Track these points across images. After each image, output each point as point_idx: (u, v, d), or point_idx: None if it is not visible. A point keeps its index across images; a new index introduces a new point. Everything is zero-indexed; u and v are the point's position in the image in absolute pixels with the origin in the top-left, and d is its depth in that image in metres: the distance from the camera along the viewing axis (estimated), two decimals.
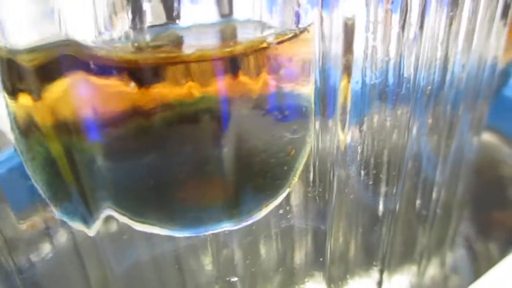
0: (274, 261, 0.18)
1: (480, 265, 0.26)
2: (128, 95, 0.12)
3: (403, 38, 0.15)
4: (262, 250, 0.17)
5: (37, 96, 0.12)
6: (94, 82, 0.11)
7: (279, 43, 0.12)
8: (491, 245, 0.27)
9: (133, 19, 0.11)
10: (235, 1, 0.12)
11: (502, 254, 0.26)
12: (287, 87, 0.13)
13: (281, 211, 0.17)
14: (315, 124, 0.15)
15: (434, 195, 0.20)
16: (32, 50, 0.11)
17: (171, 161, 0.12)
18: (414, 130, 0.17)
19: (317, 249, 0.18)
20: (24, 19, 0.11)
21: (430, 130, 0.18)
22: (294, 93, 0.13)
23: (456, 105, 0.18)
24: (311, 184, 0.17)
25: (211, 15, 0.12)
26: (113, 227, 0.16)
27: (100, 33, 0.11)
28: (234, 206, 0.14)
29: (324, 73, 0.15)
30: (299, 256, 0.18)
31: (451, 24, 0.16)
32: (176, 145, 0.12)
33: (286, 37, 0.12)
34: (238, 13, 0.12)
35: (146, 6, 0.11)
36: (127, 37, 0.11)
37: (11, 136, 0.13)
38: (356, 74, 0.15)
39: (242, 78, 0.12)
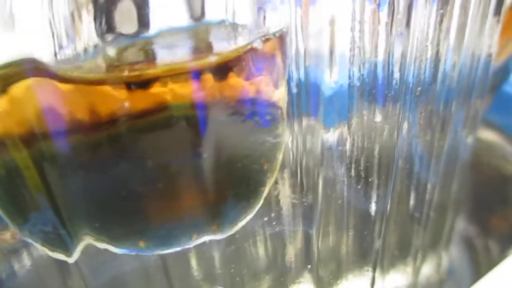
0: (260, 268, 0.17)
1: (480, 265, 0.26)
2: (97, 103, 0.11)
3: (391, 35, 0.14)
4: (248, 258, 0.17)
5: None
6: (59, 88, 0.11)
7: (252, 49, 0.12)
8: (491, 244, 0.26)
9: (99, 29, 0.10)
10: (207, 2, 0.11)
11: (503, 254, 0.25)
12: (260, 91, 0.13)
13: (265, 218, 0.16)
14: (296, 124, 0.15)
15: (427, 195, 0.19)
16: None
17: (141, 172, 0.12)
18: (405, 129, 0.17)
19: (305, 254, 0.18)
20: None
21: (422, 129, 0.17)
22: (265, 97, 0.13)
23: (448, 104, 0.17)
24: (296, 187, 0.16)
25: (183, 18, 0.11)
26: None
27: (61, 47, 0.10)
28: (214, 216, 0.13)
29: (307, 72, 0.14)
30: (287, 262, 0.18)
31: (441, 21, 0.15)
32: (145, 153, 0.12)
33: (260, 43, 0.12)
34: (210, 15, 0.12)
35: (112, 14, 0.10)
36: (94, 49, 0.11)
37: None
38: (342, 72, 0.14)
39: (214, 84, 0.12)
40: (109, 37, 0.11)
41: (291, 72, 0.14)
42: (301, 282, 0.18)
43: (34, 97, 0.11)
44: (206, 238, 0.14)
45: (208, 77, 0.11)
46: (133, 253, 0.14)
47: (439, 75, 0.16)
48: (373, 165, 0.17)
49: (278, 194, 0.16)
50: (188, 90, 0.11)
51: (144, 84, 0.11)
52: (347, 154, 0.16)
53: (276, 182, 0.17)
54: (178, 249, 0.14)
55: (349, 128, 0.16)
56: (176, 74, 0.11)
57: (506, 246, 0.26)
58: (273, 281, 0.18)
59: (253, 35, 0.12)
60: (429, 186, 0.19)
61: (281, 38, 0.13)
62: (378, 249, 0.18)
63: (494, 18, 0.16)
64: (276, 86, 0.13)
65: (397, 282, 0.21)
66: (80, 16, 0.10)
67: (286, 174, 0.16)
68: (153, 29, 0.11)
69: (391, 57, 0.15)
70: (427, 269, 0.22)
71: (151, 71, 0.11)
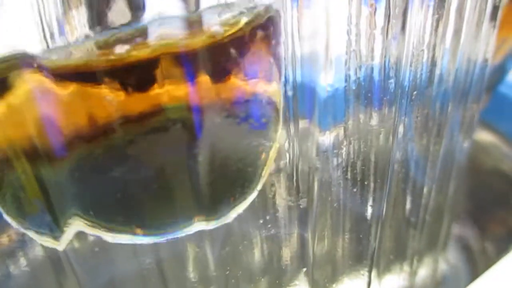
0: (255, 271, 0.17)
1: (477, 267, 0.26)
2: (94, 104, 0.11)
3: (387, 38, 0.14)
4: (243, 261, 0.17)
5: None
6: (54, 91, 0.11)
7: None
8: (489, 246, 0.26)
9: (90, 20, 0.10)
10: None
11: (500, 256, 0.25)
12: (254, 86, 0.13)
13: (261, 221, 0.16)
14: (292, 128, 0.15)
15: (424, 199, 0.19)
16: None
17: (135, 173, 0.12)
18: (400, 133, 0.17)
19: (300, 257, 0.18)
20: None
21: (417, 133, 0.17)
22: (260, 93, 0.13)
23: (444, 108, 0.17)
24: (292, 190, 0.16)
25: (177, 8, 0.11)
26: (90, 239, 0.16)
27: (52, 38, 0.10)
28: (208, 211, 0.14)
29: (302, 74, 0.14)
30: (282, 265, 0.18)
31: (437, 26, 0.15)
32: (140, 157, 0.12)
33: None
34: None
35: (104, 5, 0.10)
36: (85, 39, 0.11)
37: None
38: (337, 75, 0.14)
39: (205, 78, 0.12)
40: (100, 28, 0.10)
41: (287, 75, 0.14)
42: (296, 285, 0.18)
43: (32, 103, 0.11)
44: (200, 226, 0.14)
45: (205, 79, 0.11)
46: (127, 243, 0.14)
47: (435, 79, 0.16)
48: (368, 169, 0.17)
49: (273, 197, 0.17)
50: (183, 91, 0.11)
51: (141, 84, 0.11)
52: (343, 157, 0.16)
53: (272, 185, 0.17)
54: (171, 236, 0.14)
55: (345, 131, 0.16)
56: (166, 54, 0.11)
57: (504, 248, 0.26)
58: (268, 283, 0.18)
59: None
60: (425, 190, 0.19)
61: (272, 21, 0.13)
62: (374, 252, 0.18)
63: (490, 23, 0.16)
64: (269, 79, 0.13)
65: (393, 285, 0.21)
66: (70, 6, 0.10)
67: (282, 177, 0.16)
68: (146, 19, 0.11)
69: (387, 61, 0.15)
70: (424, 272, 0.22)
71: (141, 52, 0.11)
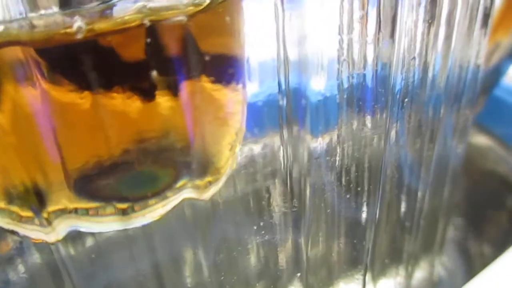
0: (250, 276, 0.18)
1: (474, 269, 0.26)
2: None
3: (378, 45, 0.14)
4: (238, 266, 0.17)
5: None
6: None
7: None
8: (485, 248, 0.26)
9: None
10: None
11: (496, 257, 0.25)
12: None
13: (255, 226, 0.17)
14: (285, 134, 0.15)
15: (418, 204, 0.19)
16: None
17: None
18: (392, 139, 0.17)
19: (295, 262, 0.18)
20: None
21: (410, 139, 0.18)
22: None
23: (436, 113, 0.17)
24: (286, 195, 0.16)
25: None
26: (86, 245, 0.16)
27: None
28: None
29: (294, 81, 0.14)
30: (277, 270, 0.18)
31: (428, 32, 0.15)
32: None
33: None
34: None
35: None
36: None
37: None
38: (329, 81, 0.15)
39: None
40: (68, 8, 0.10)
41: (280, 81, 0.14)
42: None
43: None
44: (187, 193, 0.14)
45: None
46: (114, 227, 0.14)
47: (427, 85, 0.16)
48: (362, 174, 0.17)
49: (268, 203, 0.17)
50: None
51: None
52: (336, 163, 0.16)
53: (266, 191, 0.17)
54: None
55: (338, 137, 0.16)
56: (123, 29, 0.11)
57: (500, 251, 0.26)
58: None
59: None
60: (419, 194, 0.19)
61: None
62: (369, 257, 0.19)
63: (481, 29, 0.16)
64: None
65: None
66: None
67: (276, 183, 0.17)
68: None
69: (379, 68, 0.15)
70: (419, 276, 0.22)
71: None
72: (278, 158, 0.16)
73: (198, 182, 0.14)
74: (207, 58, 0.12)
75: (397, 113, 0.16)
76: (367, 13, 0.13)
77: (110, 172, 0.12)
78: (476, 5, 0.16)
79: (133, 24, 0.11)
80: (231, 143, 0.14)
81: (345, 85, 0.15)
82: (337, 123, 0.15)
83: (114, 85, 0.11)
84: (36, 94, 0.11)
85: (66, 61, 0.11)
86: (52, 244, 0.14)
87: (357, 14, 0.13)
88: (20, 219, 0.13)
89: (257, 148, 0.17)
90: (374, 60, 0.14)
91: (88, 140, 0.12)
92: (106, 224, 0.13)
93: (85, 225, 0.13)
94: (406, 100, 0.16)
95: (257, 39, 0.14)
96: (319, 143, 0.15)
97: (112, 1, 0.10)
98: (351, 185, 0.17)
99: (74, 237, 0.15)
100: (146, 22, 0.11)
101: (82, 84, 0.11)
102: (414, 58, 0.15)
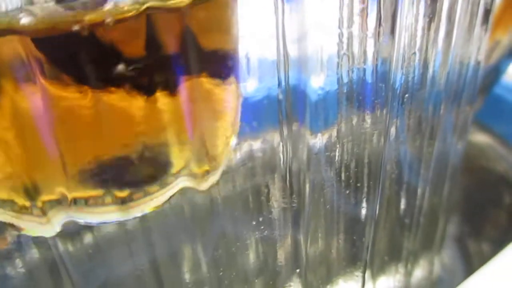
0: (249, 272, 0.18)
1: (473, 267, 0.26)
2: None
3: (378, 41, 0.14)
4: (237, 262, 0.17)
5: None
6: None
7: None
8: (484, 246, 0.26)
9: None
10: None
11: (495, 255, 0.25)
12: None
13: (254, 222, 0.16)
14: (285, 130, 0.15)
15: (417, 201, 0.19)
16: None
17: None
18: (392, 136, 0.17)
19: (294, 259, 0.18)
20: None
21: (410, 135, 0.17)
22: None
23: (436, 110, 0.17)
24: (285, 191, 0.16)
25: None
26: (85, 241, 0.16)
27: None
28: None
29: (293, 77, 0.14)
30: (276, 266, 0.18)
31: (429, 28, 0.15)
32: None
33: None
34: None
35: None
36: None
37: None
38: (328, 78, 0.14)
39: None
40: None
41: (279, 78, 0.14)
42: (290, 287, 0.18)
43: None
44: (186, 182, 0.14)
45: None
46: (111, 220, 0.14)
47: (427, 82, 0.16)
48: (361, 170, 0.17)
49: (267, 199, 0.17)
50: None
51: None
52: (336, 159, 0.16)
53: (265, 186, 0.17)
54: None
55: (337, 133, 0.16)
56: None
57: (499, 249, 0.26)
58: (262, 285, 0.18)
59: None
60: (419, 191, 0.19)
61: None
62: (368, 254, 0.18)
63: (481, 26, 0.16)
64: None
65: (387, 286, 0.21)
66: None
67: (275, 178, 0.16)
68: None
69: (379, 63, 0.15)
70: (419, 273, 0.22)
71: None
72: (278, 153, 0.16)
73: (196, 170, 0.14)
74: (205, 53, 0.12)
75: (397, 109, 0.16)
76: (367, 6, 0.13)
77: (109, 164, 0.12)
78: (477, 1, 0.16)
79: (131, 14, 0.10)
80: (227, 135, 0.14)
81: (345, 80, 0.14)
82: (337, 119, 0.15)
83: (113, 80, 0.11)
84: (35, 90, 0.11)
85: (65, 56, 0.11)
86: (50, 239, 0.14)
87: (357, 7, 0.13)
88: (18, 209, 0.13)
89: (256, 144, 0.16)
90: (374, 54, 0.14)
91: (87, 135, 0.12)
92: (104, 215, 0.13)
93: (82, 216, 0.13)
94: (406, 96, 0.16)
95: (257, 35, 0.14)
96: (319, 139, 0.15)
97: None
98: (351, 181, 0.17)
99: (72, 232, 0.15)
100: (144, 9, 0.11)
101: (82, 79, 0.11)
102: (414, 53, 0.15)
